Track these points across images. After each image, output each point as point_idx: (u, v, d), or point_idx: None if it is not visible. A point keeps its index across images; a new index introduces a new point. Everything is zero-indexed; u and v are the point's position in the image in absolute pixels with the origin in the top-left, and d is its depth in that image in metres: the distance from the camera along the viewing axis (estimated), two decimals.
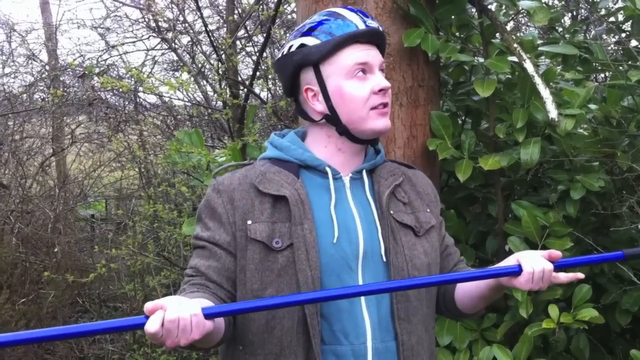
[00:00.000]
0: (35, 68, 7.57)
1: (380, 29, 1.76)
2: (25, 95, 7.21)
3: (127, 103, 6.86)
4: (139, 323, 1.36)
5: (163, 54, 6.47)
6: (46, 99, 6.73)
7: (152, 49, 6.38)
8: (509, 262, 1.67)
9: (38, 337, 1.34)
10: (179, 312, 1.36)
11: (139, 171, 6.28)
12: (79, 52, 7.34)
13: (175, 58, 6.25)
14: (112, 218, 6.91)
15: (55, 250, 5.60)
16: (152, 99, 6.64)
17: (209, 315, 1.40)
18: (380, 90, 1.70)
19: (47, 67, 7.37)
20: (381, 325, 1.67)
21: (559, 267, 1.65)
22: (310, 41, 1.72)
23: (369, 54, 1.71)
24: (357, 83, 1.70)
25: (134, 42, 6.72)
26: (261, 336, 1.66)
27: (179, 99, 4.83)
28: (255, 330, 1.67)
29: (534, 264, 1.61)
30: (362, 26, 1.71)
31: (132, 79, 5.40)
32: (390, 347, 1.67)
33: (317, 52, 1.72)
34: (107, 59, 6.85)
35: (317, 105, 1.75)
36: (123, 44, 6.62)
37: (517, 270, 1.62)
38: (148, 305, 1.37)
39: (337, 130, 1.75)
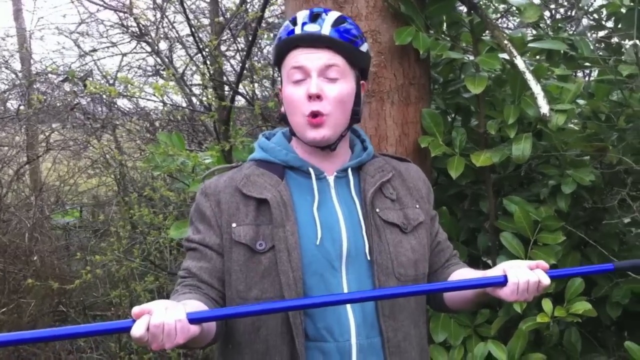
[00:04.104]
0: (9, 76, 7.45)
1: (328, 33, 1.69)
2: None
3: (103, 109, 6.77)
4: (126, 326, 1.40)
5: (144, 58, 6.41)
6: (22, 106, 6.63)
7: (131, 52, 6.31)
8: (495, 272, 1.67)
9: (26, 338, 1.38)
10: (164, 318, 1.39)
11: (115, 178, 6.23)
12: (53, 59, 7.24)
13: (153, 63, 6.20)
14: (88, 225, 6.83)
15: (35, 258, 5.52)
16: (129, 104, 6.58)
17: (193, 320, 1.44)
18: (310, 97, 1.68)
19: (21, 75, 7.26)
20: (366, 322, 1.69)
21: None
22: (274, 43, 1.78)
23: (308, 57, 1.69)
24: (293, 88, 1.71)
25: (108, 47, 6.62)
26: (248, 336, 1.70)
27: (162, 102, 4.78)
28: (242, 330, 1.71)
29: (519, 275, 1.62)
30: (298, 31, 1.70)
31: (114, 83, 5.35)
32: (375, 343, 1.69)
33: (273, 55, 1.80)
34: (81, 65, 6.76)
35: (282, 106, 1.79)
36: (96, 50, 6.52)
37: (502, 281, 1.63)
38: (135, 310, 1.40)
39: (291, 132, 1.78)
